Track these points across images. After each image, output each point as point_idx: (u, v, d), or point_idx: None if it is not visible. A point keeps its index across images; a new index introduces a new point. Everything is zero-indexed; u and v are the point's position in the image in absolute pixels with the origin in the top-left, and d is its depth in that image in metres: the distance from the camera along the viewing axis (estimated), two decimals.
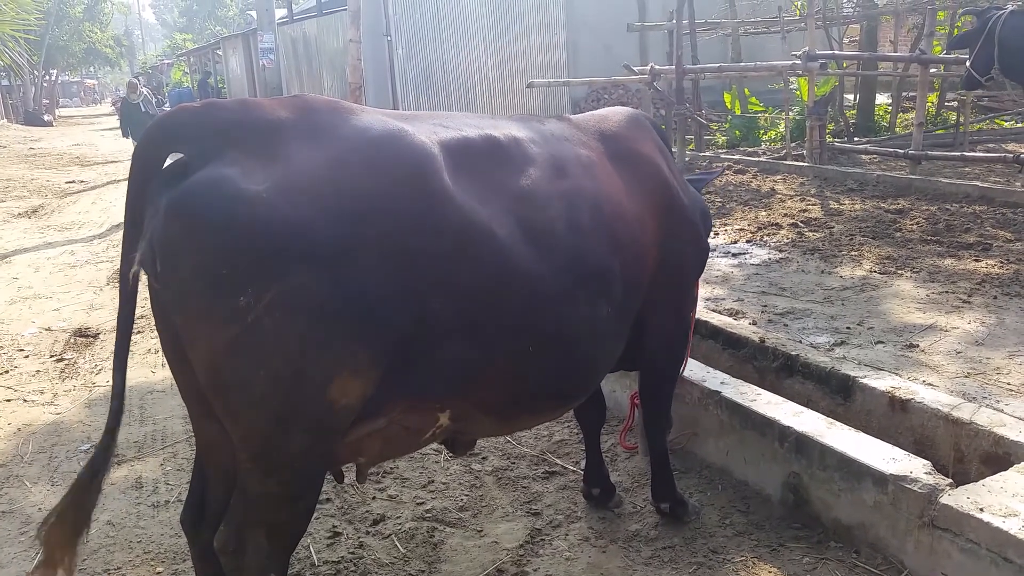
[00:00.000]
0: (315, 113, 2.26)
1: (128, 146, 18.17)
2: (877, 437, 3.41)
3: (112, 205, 13.61)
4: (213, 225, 2.00)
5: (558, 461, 4.13)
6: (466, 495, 3.85)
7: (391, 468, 4.07)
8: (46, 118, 38.91)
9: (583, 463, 3.78)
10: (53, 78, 50.10)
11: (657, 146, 3.23)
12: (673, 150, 3.68)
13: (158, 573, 3.37)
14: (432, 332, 2.28)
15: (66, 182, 16.97)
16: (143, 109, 17.15)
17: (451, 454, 3.89)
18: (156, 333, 6.38)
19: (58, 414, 5.02)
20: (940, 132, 13.67)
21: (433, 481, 3.98)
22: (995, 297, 5.67)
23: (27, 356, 6.14)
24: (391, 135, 2.29)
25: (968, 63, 8.16)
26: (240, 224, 1.99)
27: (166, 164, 2.19)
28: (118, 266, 8.49)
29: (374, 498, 3.84)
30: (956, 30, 13.21)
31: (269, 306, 2.01)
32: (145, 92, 18.49)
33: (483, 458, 4.19)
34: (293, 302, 2.03)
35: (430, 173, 2.29)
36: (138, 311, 7.19)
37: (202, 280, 2.03)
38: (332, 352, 2.10)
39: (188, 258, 2.03)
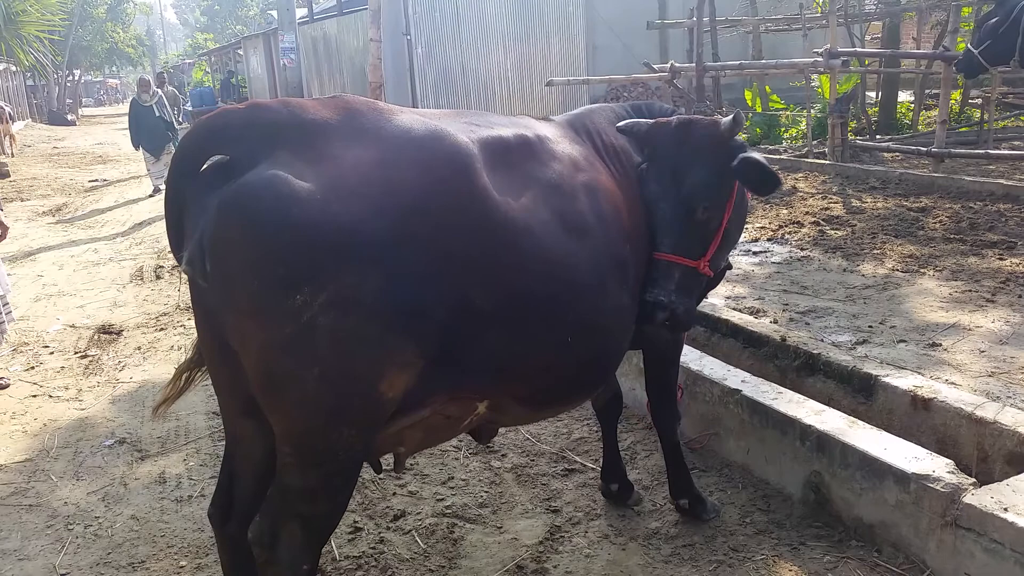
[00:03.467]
0: (357, 114, 2.30)
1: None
2: (899, 436, 3.39)
3: (135, 203, 13.75)
4: (269, 225, 2.02)
5: (577, 458, 4.13)
6: (486, 492, 3.87)
7: (411, 464, 4.09)
8: (69, 117, 39.27)
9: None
10: (76, 78, 50.59)
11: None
12: None
13: (181, 567, 3.40)
14: (476, 324, 2.34)
15: (89, 181, 17.15)
16: (157, 113, 14.28)
17: (476, 443, 3.90)
18: (184, 330, 6.43)
19: (82, 410, 5.08)
20: (964, 130, 13.51)
21: (453, 478, 4.00)
22: (1020, 296, 5.61)
23: (52, 353, 6.21)
24: (433, 135, 2.35)
25: (976, 48, 8.02)
26: (296, 224, 2.02)
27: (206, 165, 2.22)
28: (140, 264, 8.58)
29: (395, 494, 3.86)
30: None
31: (324, 304, 2.04)
32: (160, 93, 15.08)
33: (503, 455, 4.20)
34: (347, 300, 2.07)
35: (472, 171, 2.35)
36: (161, 308, 7.22)
37: (257, 279, 2.05)
38: (383, 346, 2.14)
39: (242, 258, 2.06)
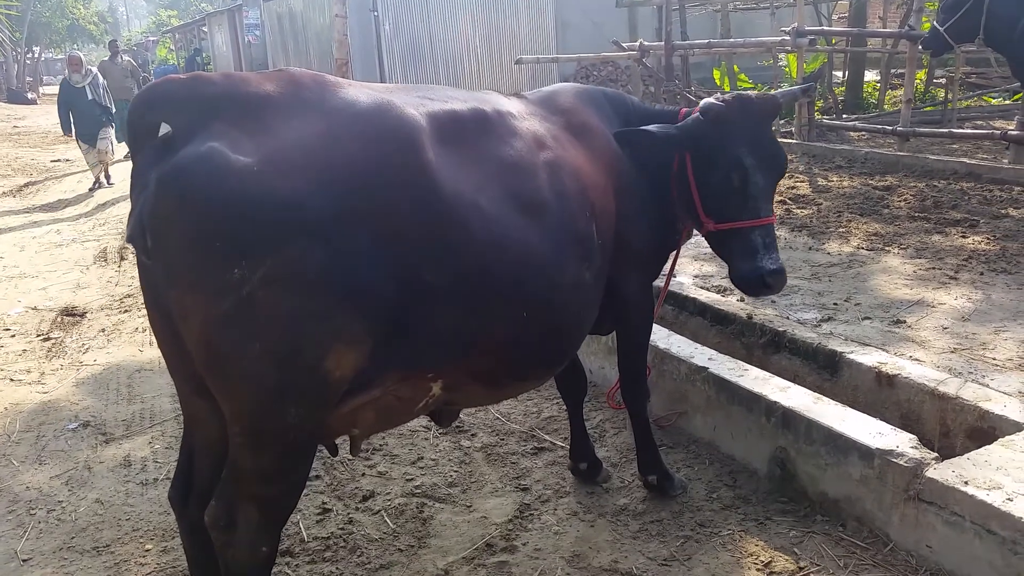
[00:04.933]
0: (301, 87, 2.26)
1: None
2: (864, 412, 3.43)
3: (98, 184, 13.50)
4: (205, 199, 1.99)
5: (547, 437, 4.14)
6: (455, 471, 3.87)
7: (380, 444, 4.08)
8: (30, 96, 38.43)
9: None
10: (36, 55, 49.51)
11: (606, 119, 3.22)
12: None
13: (147, 550, 3.37)
14: (425, 301, 2.31)
15: (51, 161, 16.82)
16: (90, 96, 12.77)
17: (438, 428, 3.90)
18: (144, 311, 6.34)
19: (45, 393, 5.00)
20: (928, 109, 13.67)
21: (422, 457, 3.99)
22: (982, 273, 5.69)
23: (13, 336, 6.10)
24: (379, 108, 2.31)
25: (942, 25, 8.10)
26: (233, 197, 1.99)
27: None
28: (104, 245, 8.42)
29: (363, 475, 3.85)
30: None
31: (263, 279, 2.01)
32: (95, 72, 13.46)
33: (472, 435, 4.20)
34: (287, 274, 2.04)
35: (419, 145, 2.31)
36: (125, 290, 7.11)
37: (195, 254, 2.02)
38: (326, 324, 2.11)
39: (180, 232, 2.03)
